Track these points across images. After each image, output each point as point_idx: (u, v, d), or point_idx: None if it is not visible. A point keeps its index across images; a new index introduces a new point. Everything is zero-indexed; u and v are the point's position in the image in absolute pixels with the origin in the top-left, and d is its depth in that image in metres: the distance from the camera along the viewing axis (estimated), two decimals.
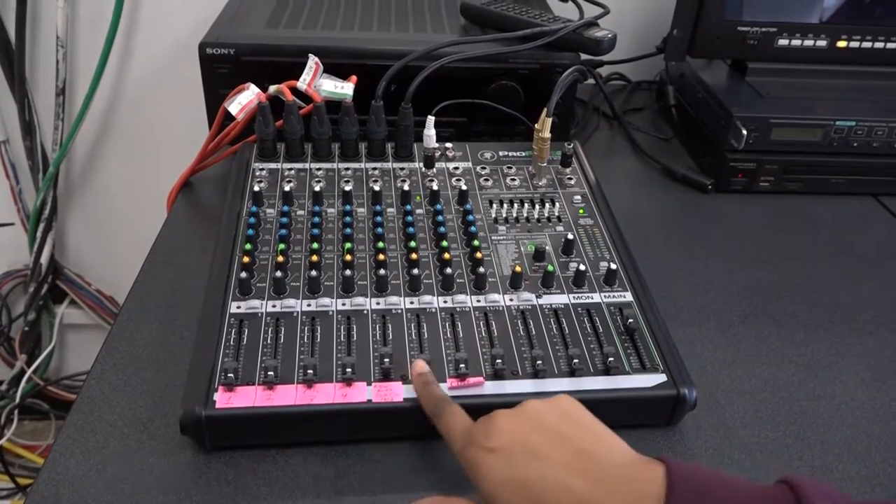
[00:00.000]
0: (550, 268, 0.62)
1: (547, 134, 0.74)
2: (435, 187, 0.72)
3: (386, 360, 0.53)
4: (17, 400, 1.41)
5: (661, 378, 0.55)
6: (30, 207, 1.32)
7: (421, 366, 0.53)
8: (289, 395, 0.51)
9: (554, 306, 0.60)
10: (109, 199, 1.36)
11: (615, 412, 0.55)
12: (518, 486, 0.42)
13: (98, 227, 1.40)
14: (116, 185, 1.35)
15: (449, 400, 0.51)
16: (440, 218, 0.68)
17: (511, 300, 0.61)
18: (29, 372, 1.42)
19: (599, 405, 0.54)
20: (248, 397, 0.51)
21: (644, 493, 0.39)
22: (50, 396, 1.49)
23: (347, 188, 0.70)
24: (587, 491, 0.40)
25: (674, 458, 0.41)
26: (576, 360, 0.55)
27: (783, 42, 0.93)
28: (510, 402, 0.52)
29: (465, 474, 0.45)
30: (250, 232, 0.65)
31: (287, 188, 0.70)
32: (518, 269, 0.62)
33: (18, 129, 1.24)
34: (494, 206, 0.72)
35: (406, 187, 0.71)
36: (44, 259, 1.35)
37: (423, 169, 0.76)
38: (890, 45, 0.94)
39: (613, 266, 0.63)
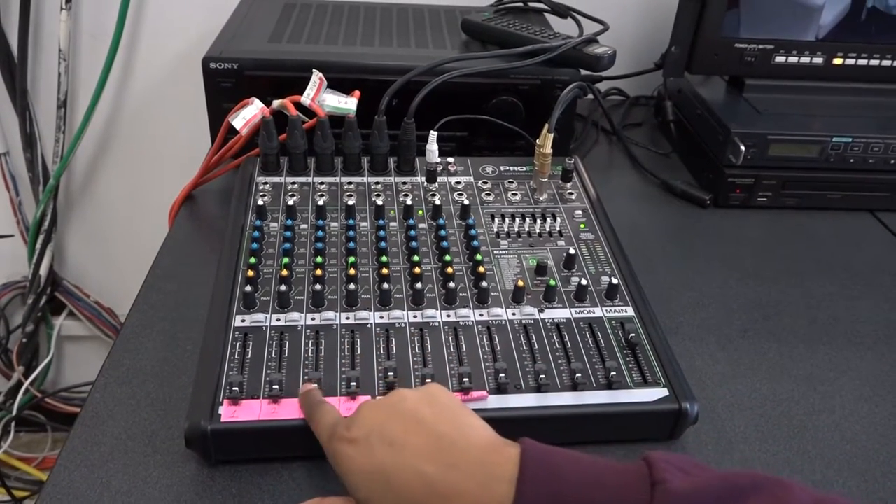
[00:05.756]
0: (552, 282, 0.63)
1: (548, 149, 0.75)
2: (437, 202, 0.72)
3: (390, 374, 0.54)
4: (14, 412, 1.41)
5: (662, 392, 0.55)
6: (29, 219, 1.32)
7: (308, 384, 0.53)
8: (294, 409, 0.52)
9: (556, 320, 0.61)
10: (109, 211, 1.37)
11: (617, 426, 0.55)
12: (375, 475, 0.42)
13: (98, 239, 1.40)
14: (116, 197, 1.35)
15: (324, 402, 0.50)
16: (443, 232, 0.68)
17: (513, 314, 0.61)
18: (26, 384, 1.41)
19: (602, 419, 0.55)
20: (253, 411, 0.51)
21: (496, 476, 0.39)
22: (47, 408, 1.48)
23: (350, 202, 0.71)
24: (439, 476, 0.40)
25: (534, 441, 0.41)
26: (578, 375, 0.55)
27: (780, 59, 0.94)
28: (513, 416, 0.53)
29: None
30: (254, 246, 0.65)
31: (290, 202, 0.71)
32: (520, 283, 0.62)
33: (19, 141, 1.25)
34: (496, 220, 0.72)
35: (408, 202, 0.71)
36: (43, 271, 1.35)
37: (426, 183, 0.77)
38: (885, 63, 0.95)
39: (615, 281, 0.63)
